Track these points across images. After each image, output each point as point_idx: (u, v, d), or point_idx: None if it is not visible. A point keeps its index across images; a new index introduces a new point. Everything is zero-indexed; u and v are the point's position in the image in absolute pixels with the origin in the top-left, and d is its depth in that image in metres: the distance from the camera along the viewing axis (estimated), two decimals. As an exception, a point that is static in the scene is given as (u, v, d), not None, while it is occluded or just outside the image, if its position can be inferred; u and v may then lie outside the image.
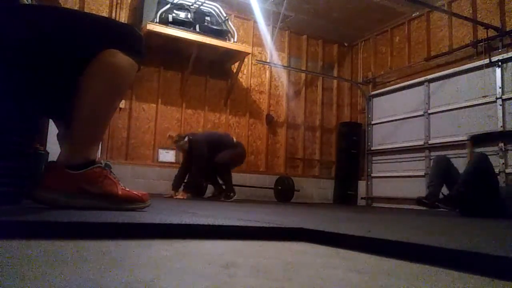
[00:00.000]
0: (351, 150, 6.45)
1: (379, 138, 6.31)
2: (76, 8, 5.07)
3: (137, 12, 5.50)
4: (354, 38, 7.03)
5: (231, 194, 4.63)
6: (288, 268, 0.61)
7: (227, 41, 5.53)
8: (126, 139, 5.34)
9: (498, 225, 2.17)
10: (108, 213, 1.10)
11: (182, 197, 4.23)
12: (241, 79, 6.18)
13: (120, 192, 1.30)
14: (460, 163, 4.97)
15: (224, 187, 4.78)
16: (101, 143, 3.17)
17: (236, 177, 5.84)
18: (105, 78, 1.24)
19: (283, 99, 6.53)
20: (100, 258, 0.59)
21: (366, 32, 6.77)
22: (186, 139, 4.59)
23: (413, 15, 6.06)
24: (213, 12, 5.65)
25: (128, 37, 1.30)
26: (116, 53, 1.24)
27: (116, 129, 5.26)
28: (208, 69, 5.88)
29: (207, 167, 4.56)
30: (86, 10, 5.13)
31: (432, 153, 5.38)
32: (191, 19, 5.31)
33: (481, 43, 4.96)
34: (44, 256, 0.58)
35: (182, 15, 5.30)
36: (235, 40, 5.68)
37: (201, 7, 5.49)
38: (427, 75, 5.59)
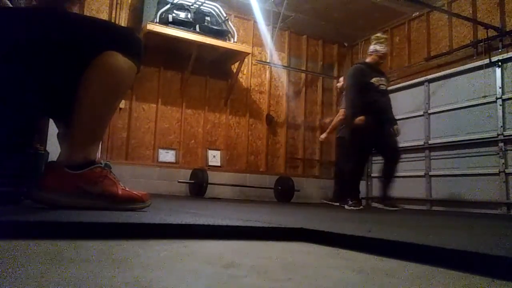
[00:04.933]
0: (351, 150, 6.44)
1: (379, 138, 6.29)
2: (76, 9, 5.07)
3: (137, 12, 5.50)
4: (354, 38, 7.02)
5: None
6: (288, 268, 0.61)
7: (227, 41, 5.53)
8: (126, 139, 5.34)
9: (500, 225, 2.17)
10: (108, 213, 1.10)
11: None
12: (241, 79, 6.18)
13: (120, 192, 1.30)
14: (461, 163, 4.98)
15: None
16: (101, 143, 3.17)
17: (236, 177, 5.86)
18: (104, 79, 1.25)
19: (283, 99, 6.53)
20: (100, 258, 0.59)
21: (366, 32, 6.76)
22: None
23: (413, 15, 6.06)
24: (213, 12, 5.65)
25: (128, 39, 1.31)
26: (115, 54, 1.24)
27: (116, 129, 5.26)
28: (208, 69, 5.88)
29: None
30: (86, 10, 5.14)
31: (432, 153, 5.37)
32: (191, 19, 5.31)
33: (481, 43, 4.96)
34: (44, 256, 0.58)
35: (182, 15, 5.30)
36: (235, 40, 5.68)
37: (201, 7, 5.49)
38: (427, 75, 5.58)
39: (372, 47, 4.27)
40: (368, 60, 4.29)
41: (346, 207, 4.04)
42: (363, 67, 4.19)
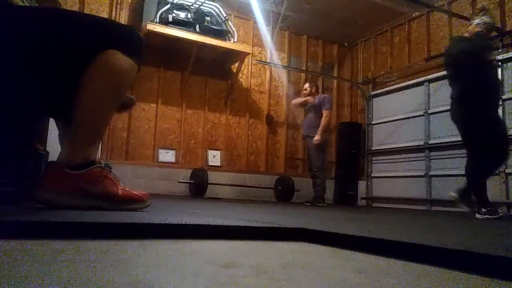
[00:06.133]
0: (351, 150, 6.46)
1: (379, 138, 6.30)
2: (76, 8, 5.07)
3: (137, 12, 5.50)
4: (354, 38, 7.03)
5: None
6: (288, 268, 0.61)
7: (227, 41, 5.53)
8: (126, 139, 5.34)
9: (500, 225, 2.17)
10: (108, 213, 1.10)
11: None
12: (241, 79, 6.18)
13: (120, 192, 1.30)
14: (461, 163, 4.97)
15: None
16: (101, 143, 3.17)
17: (236, 177, 5.86)
18: (105, 78, 1.24)
19: (283, 99, 6.53)
20: (100, 258, 0.59)
21: (366, 32, 6.77)
22: None
23: (413, 15, 6.06)
24: (213, 12, 5.65)
25: (129, 38, 1.31)
26: (116, 53, 1.24)
27: (116, 129, 5.26)
28: (208, 69, 5.88)
29: None
30: (86, 10, 5.14)
31: (432, 153, 5.37)
32: (191, 19, 5.31)
33: (481, 43, 4.95)
34: (44, 256, 0.58)
35: (182, 15, 5.30)
36: (235, 40, 5.68)
37: (201, 7, 5.49)
38: (427, 75, 5.58)
39: (479, 20, 3.51)
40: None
41: (477, 216, 3.08)
42: (478, 43, 3.51)
